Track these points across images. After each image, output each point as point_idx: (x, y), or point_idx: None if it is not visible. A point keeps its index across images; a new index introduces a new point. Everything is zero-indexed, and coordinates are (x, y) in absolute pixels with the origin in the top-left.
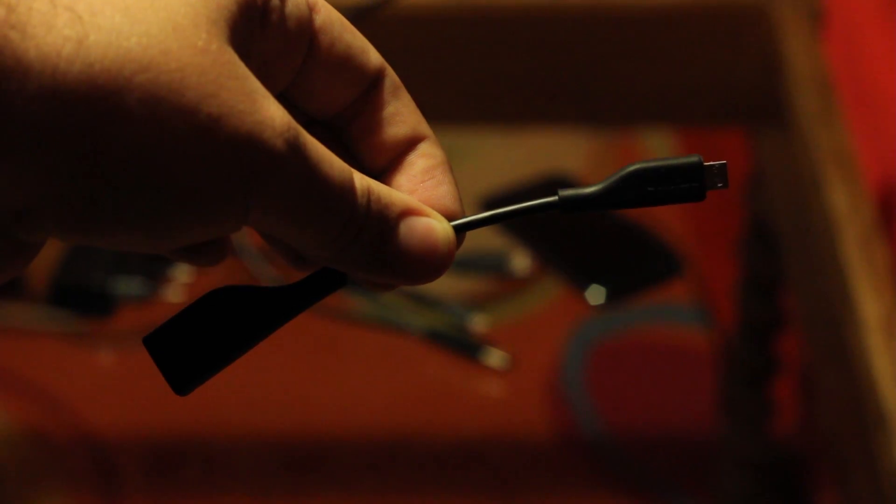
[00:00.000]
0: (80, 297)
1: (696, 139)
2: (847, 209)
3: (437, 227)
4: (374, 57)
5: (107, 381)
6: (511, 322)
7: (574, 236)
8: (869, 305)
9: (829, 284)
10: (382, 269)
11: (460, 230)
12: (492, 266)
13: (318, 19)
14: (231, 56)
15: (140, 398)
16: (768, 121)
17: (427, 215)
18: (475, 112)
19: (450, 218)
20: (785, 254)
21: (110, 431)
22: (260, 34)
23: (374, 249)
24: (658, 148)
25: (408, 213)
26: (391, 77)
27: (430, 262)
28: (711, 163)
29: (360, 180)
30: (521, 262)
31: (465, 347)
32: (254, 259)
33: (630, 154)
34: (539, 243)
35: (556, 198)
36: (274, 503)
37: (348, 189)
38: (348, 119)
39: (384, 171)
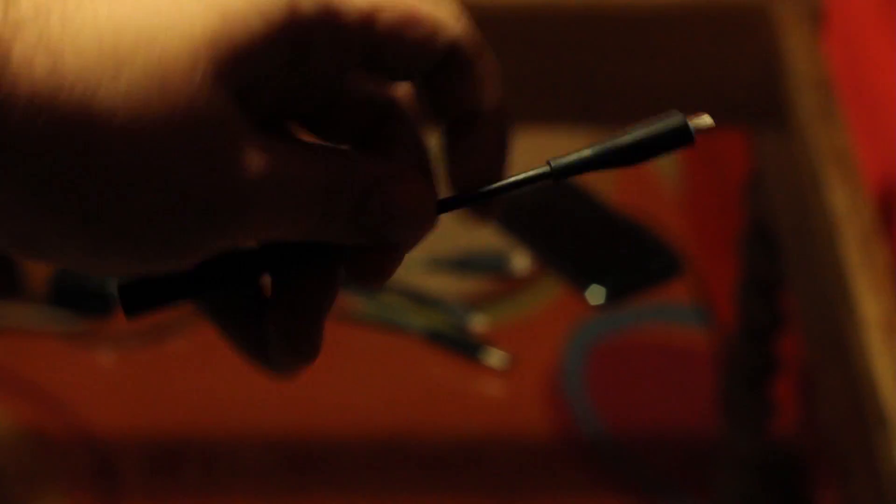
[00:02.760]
0: (80, 297)
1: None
2: (847, 209)
3: (415, 200)
4: (441, 39)
5: (107, 381)
6: (511, 322)
7: (574, 236)
8: (869, 305)
9: (829, 284)
10: (361, 231)
11: (445, 208)
12: (492, 266)
13: (383, 20)
14: (220, 109)
15: (140, 398)
16: (768, 121)
17: (408, 184)
18: None
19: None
20: (785, 254)
21: (110, 431)
22: (301, 60)
23: (354, 221)
24: None
25: (387, 177)
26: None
27: (403, 227)
28: (694, 119)
29: (338, 169)
30: (521, 262)
31: (465, 347)
32: None
33: None
34: (539, 243)
35: (547, 167)
36: (274, 503)
37: (322, 186)
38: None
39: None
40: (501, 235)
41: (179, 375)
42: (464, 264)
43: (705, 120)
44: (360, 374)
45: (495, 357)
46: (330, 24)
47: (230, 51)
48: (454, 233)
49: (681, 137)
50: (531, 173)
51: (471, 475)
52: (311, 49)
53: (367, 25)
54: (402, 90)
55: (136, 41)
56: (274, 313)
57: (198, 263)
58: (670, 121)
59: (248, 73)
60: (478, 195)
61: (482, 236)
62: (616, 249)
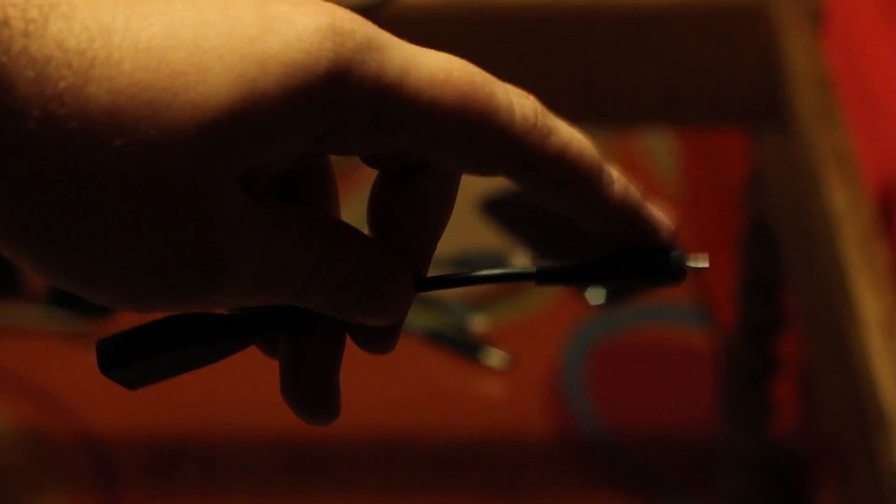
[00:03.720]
0: (80, 298)
1: (696, 139)
2: (847, 209)
3: (394, 287)
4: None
5: (107, 381)
6: (511, 322)
7: (574, 236)
8: (869, 305)
9: (829, 284)
10: (338, 314)
11: (421, 289)
12: (492, 266)
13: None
14: (215, 188)
15: (140, 398)
16: (768, 121)
17: (386, 275)
18: None
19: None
20: (785, 254)
21: (110, 431)
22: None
23: (330, 301)
24: (658, 148)
25: (368, 272)
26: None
27: (382, 313)
28: (691, 259)
29: (321, 255)
30: (521, 262)
31: (465, 347)
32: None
33: (630, 154)
34: (539, 243)
35: (534, 269)
36: (274, 503)
37: (300, 269)
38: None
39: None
40: (501, 235)
41: (179, 375)
42: (464, 264)
43: (701, 261)
44: (360, 374)
45: (495, 357)
46: (378, 108)
47: (240, 138)
48: (454, 233)
49: (673, 278)
50: (518, 271)
51: (471, 475)
52: (338, 132)
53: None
54: None
55: (148, 105)
56: (283, 379)
57: (178, 321)
58: (669, 268)
59: (257, 156)
60: (459, 279)
61: (482, 236)
62: (616, 249)
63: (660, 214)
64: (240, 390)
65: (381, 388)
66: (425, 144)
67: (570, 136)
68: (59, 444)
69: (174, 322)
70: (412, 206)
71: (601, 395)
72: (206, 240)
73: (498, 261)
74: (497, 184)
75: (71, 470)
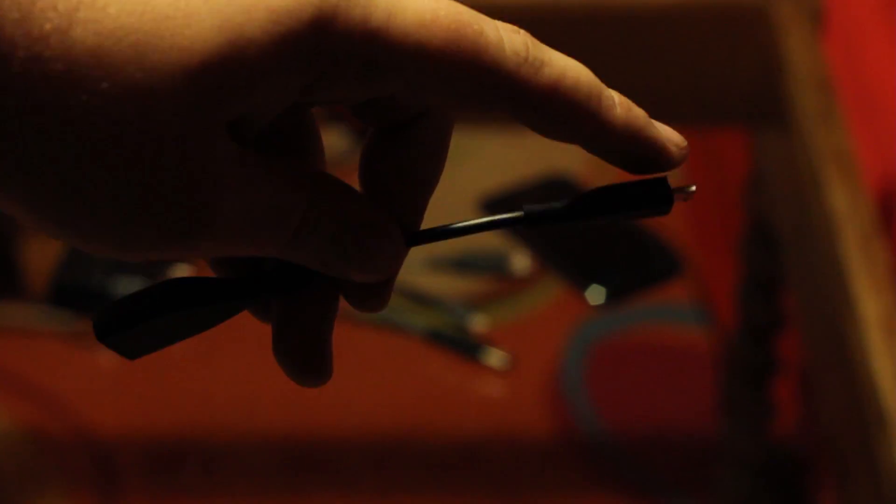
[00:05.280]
0: (80, 297)
1: (696, 139)
2: (847, 209)
3: (384, 243)
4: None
5: (107, 381)
6: (511, 322)
7: (574, 237)
8: (869, 305)
9: (829, 284)
10: (328, 270)
11: (413, 243)
12: (492, 266)
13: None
14: (202, 132)
15: (140, 398)
16: (768, 121)
17: (376, 230)
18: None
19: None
20: (785, 254)
21: (110, 431)
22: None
23: (319, 255)
24: None
25: (357, 227)
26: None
27: (373, 270)
28: (679, 187)
29: (310, 203)
30: (521, 262)
31: (465, 347)
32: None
33: None
34: (539, 243)
35: (520, 213)
36: (274, 503)
37: (290, 217)
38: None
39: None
40: (501, 235)
41: (179, 375)
42: (464, 264)
43: (689, 189)
44: (360, 374)
45: (495, 357)
46: (365, 53)
47: (227, 84)
48: None
49: (658, 206)
50: (505, 216)
51: (471, 475)
52: (327, 79)
53: (414, 57)
54: None
55: (133, 48)
56: (275, 340)
57: (170, 285)
58: (653, 193)
59: (245, 104)
60: (449, 231)
61: (482, 236)
62: (616, 249)
63: (668, 132)
64: (240, 390)
65: (381, 388)
66: (416, 87)
67: (564, 65)
68: (59, 444)
69: (168, 287)
70: (404, 161)
71: (601, 395)
72: (193, 184)
73: (498, 261)
74: (497, 184)
75: (71, 470)
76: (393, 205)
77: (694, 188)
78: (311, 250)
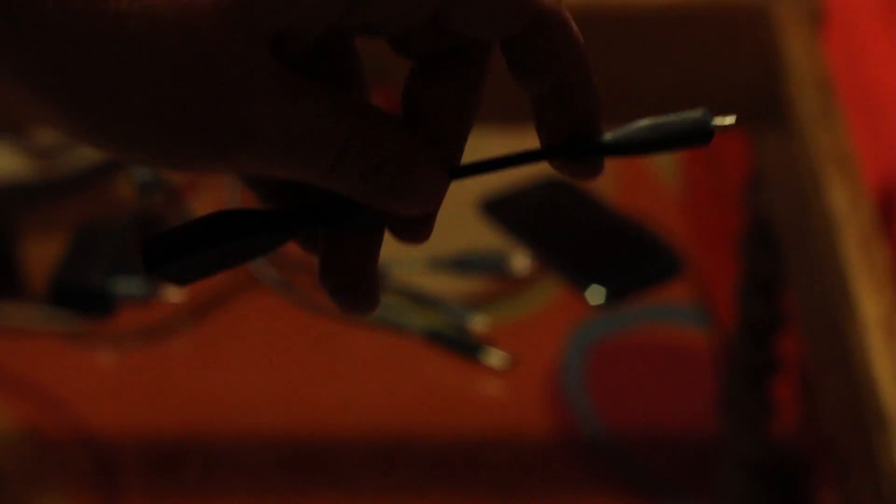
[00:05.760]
0: (80, 297)
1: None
2: (847, 209)
3: (427, 174)
4: None
5: (107, 381)
6: (511, 322)
7: (574, 236)
8: (869, 305)
9: (829, 284)
10: (372, 201)
11: (454, 177)
12: (492, 266)
13: None
14: (245, 51)
15: (140, 398)
16: (768, 121)
17: (420, 160)
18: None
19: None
20: (785, 254)
21: (110, 431)
22: None
23: (362, 186)
24: None
25: (400, 157)
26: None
27: (416, 202)
28: (717, 119)
29: (352, 127)
30: (521, 262)
31: (465, 347)
32: (255, 261)
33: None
34: (539, 243)
35: (567, 145)
36: (274, 503)
37: (331, 140)
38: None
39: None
40: (501, 235)
41: (179, 375)
42: (464, 264)
43: (727, 120)
44: (360, 374)
45: (495, 357)
46: None
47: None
48: (454, 233)
49: (700, 137)
50: (550, 148)
51: (471, 475)
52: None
53: None
54: None
55: None
56: (322, 270)
57: (219, 217)
58: (694, 122)
59: (286, 18)
60: (489, 164)
61: (482, 236)
62: (616, 249)
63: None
64: (240, 390)
65: (381, 388)
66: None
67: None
68: (59, 444)
69: (215, 218)
70: (444, 93)
71: (601, 395)
72: (234, 96)
73: (498, 261)
74: (497, 184)
75: (71, 470)
76: (435, 137)
77: (732, 120)
78: (353, 179)
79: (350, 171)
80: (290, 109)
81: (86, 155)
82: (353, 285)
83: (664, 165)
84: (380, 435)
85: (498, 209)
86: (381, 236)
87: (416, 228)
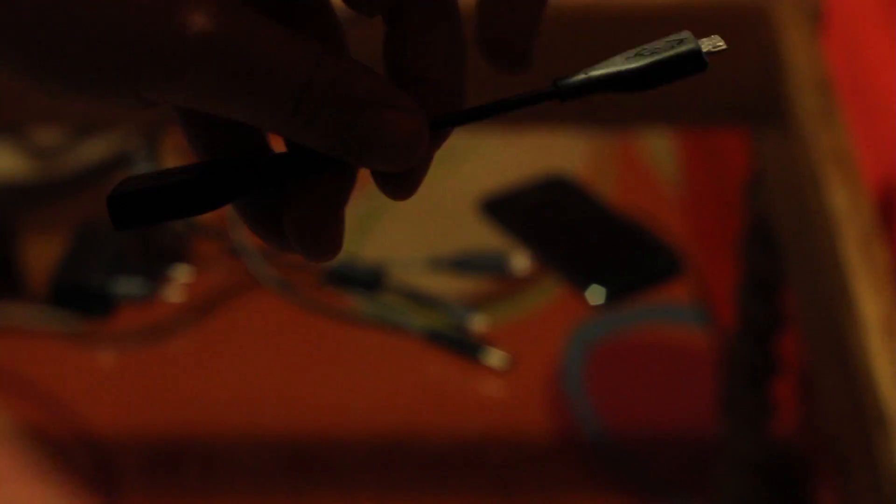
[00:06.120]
0: (80, 297)
1: (696, 139)
2: (847, 209)
3: (404, 122)
4: None
5: (107, 381)
6: (511, 322)
7: (574, 236)
8: (869, 305)
9: (829, 284)
10: (345, 155)
11: (439, 126)
12: (492, 266)
13: None
14: None
15: (140, 398)
16: (768, 121)
17: (395, 107)
18: None
19: (447, 98)
20: (785, 254)
21: (110, 431)
22: None
23: (333, 136)
24: (658, 148)
25: (373, 103)
26: None
27: (395, 155)
28: (704, 40)
29: (317, 63)
30: (521, 262)
31: (465, 347)
32: (254, 259)
33: (630, 154)
34: (539, 243)
35: (553, 87)
36: (274, 503)
37: (292, 72)
38: None
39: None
40: (501, 235)
41: (179, 375)
42: (464, 264)
43: (716, 42)
44: (360, 374)
45: (495, 357)
46: None
47: None
48: (454, 233)
49: (693, 64)
50: (536, 92)
51: (471, 475)
52: None
53: None
54: None
55: None
56: (286, 211)
57: (196, 175)
58: (681, 48)
59: None
60: (476, 111)
61: (482, 236)
62: (616, 249)
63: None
64: (240, 390)
65: (381, 388)
66: None
67: None
68: (59, 444)
69: (187, 179)
70: (420, 43)
71: (601, 395)
72: (175, 4)
73: (498, 261)
74: (497, 184)
75: (71, 470)
76: (426, 92)
77: (721, 42)
78: (322, 127)
79: (317, 117)
80: (241, 29)
81: (86, 155)
82: (317, 232)
83: (664, 165)
84: (380, 435)
85: (498, 209)
86: (353, 183)
87: (400, 182)
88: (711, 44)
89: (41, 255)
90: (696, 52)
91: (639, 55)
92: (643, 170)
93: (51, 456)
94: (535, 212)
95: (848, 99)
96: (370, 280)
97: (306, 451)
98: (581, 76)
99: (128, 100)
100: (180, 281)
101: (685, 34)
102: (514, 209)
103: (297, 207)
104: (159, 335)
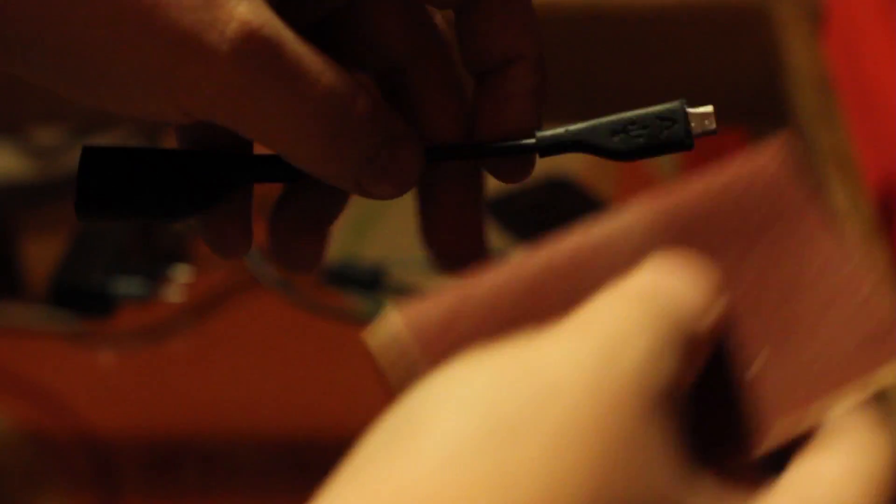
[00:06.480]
0: (80, 297)
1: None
2: (847, 209)
3: (416, 157)
4: None
5: (107, 381)
6: None
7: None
8: None
9: None
10: (353, 187)
11: (431, 159)
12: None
13: None
14: None
15: (140, 398)
16: (768, 121)
17: (411, 142)
18: None
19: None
20: None
21: (110, 431)
22: None
23: (352, 167)
24: None
25: (394, 139)
26: None
27: (401, 187)
28: (696, 109)
29: (355, 94)
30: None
31: None
32: (254, 259)
33: None
34: (539, 243)
35: (533, 140)
36: (274, 503)
37: (335, 97)
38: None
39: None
40: (501, 235)
41: (179, 375)
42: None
43: (708, 120)
44: (360, 374)
45: None
46: None
47: None
48: None
49: (680, 146)
50: (518, 143)
51: None
52: None
53: None
54: None
55: None
56: (272, 218)
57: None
58: (670, 132)
59: None
60: (461, 150)
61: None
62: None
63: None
64: (240, 390)
65: (381, 388)
66: None
67: None
68: (59, 444)
69: (162, 166)
70: (497, 27)
71: None
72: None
73: (498, 261)
74: (496, 184)
75: (71, 470)
76: (518, 70)
77: (713, 126)
78: (350, 161)
79: (348, 151)
80: (282, 37)
81: None
82: (300, 248)
83: (664, 165)
84: None
85: (498, 209)
86: (345, 204)
87: (518, 165)
88: (702, 125)
89: (41, 255)
90: (684, 139)
91: (625, 133)
92: (643, 170)
93: (51, 456)
94: (536, 212)
95: (848, 99)
96: (370, 280)
97: (306, 451)
98: (564, 135)
99: (167, 107)
100: (180, 281)
101: (676, 108)
102: (514, 209)
103: (285, 221)
104: (159, 335)
